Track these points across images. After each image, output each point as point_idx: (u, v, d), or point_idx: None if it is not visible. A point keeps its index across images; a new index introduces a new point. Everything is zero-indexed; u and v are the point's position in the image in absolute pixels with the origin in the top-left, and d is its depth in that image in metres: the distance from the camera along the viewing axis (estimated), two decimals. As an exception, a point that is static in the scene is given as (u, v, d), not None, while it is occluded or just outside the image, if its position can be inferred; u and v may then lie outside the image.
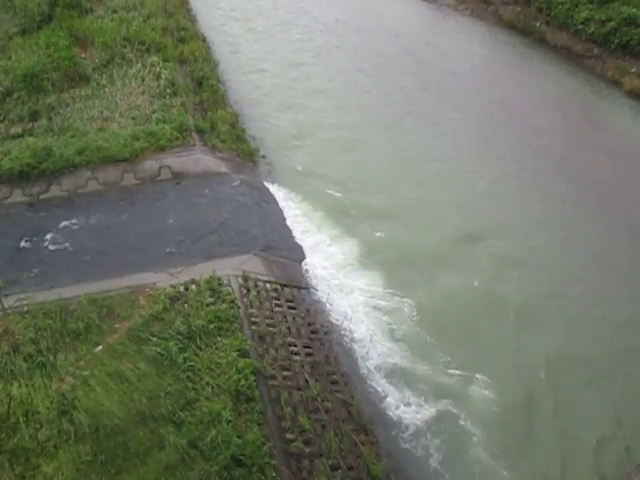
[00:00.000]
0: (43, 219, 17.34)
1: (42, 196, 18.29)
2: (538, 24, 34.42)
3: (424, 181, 21.15)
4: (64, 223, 17.11)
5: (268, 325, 14.08)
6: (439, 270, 17.14)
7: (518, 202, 20.40)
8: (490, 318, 15.70)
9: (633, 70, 28.44)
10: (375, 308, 15.86)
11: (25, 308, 13.87)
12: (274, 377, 12.62)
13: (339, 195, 20.10)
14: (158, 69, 24.50)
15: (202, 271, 15.04)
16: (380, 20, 36.69)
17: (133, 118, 21.49)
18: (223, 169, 20.08)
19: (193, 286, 14.62)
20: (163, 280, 14.89)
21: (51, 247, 16.30)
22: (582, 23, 31.64)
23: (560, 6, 33.35)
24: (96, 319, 13.53)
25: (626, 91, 27.86)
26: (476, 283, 16.78)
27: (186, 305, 13.99)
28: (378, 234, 18.44)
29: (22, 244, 16.36)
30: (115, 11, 31.00)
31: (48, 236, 16.61)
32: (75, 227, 17.04)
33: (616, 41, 29.67)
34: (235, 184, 19.37)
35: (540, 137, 24.17)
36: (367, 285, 16.56)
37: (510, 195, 20.73)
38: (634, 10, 29.98)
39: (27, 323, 13.39)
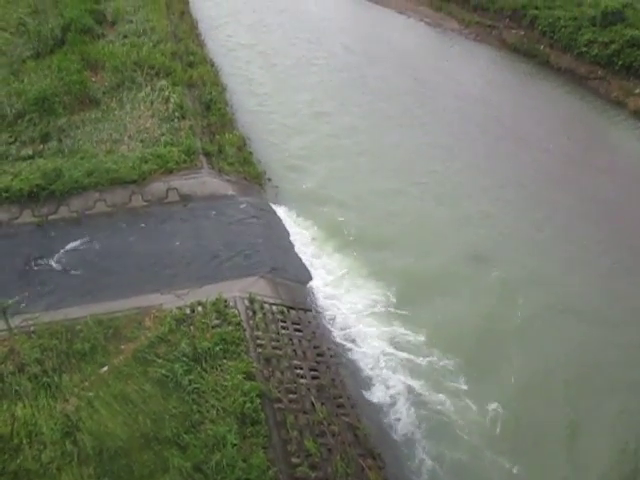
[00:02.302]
0: (51, 239, 17.48)
1: (51, 217, 18.47)
2: (542, 47, 34.81)
3: (430, 203, 21.22)
4: (72, 244, 17.25)
5: (274, 348, 14.02)
6: (446, 292, 17.06)
7: (522, 222, 20.35)
8: (492, 338, 15.64)
9: (637, 91, 28.60)
10: (382, 330, 15.76)
11: (31, 328, 13.90)
12: (280, 400, 12.54)
13: (345, 218, 20.15)
14: (167, 93, 24.87)
15: (208, 293, 15.06)
16: (387, 46, 37.12)
17: (142, 141, 21.75)
18: (230, 191, 20.23)
19: (199, 308, 14.64)
20: (169, 301, 14.92)
21: (58, 267, 16.40)
22: (585, 45, 31.96)
23: (563, 29, 33.73)
24: (102, 340, 13.54)
25: (631, 111, 27.99)
26: (481, 302, 16.71)
27: (192, 327, 13.98)
28: (385, 256, 18.40)
29: (29, 264, 16.47)
30: (126, 36, 31.64)
31: (56, 256, 16.72)
32: (82, 248, 17.17)
33: (620, 62, 29.91)
34: (242, 206, 19.49)
35: (545, 158, 24.24)
36: (373, 307, 16.49)
37: (515, 216, 20.71)
38: (637, 32, 30.29)
39: (33, 343, 13.42)
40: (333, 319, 16.12)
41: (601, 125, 28.23)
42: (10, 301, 13.09)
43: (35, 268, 16.37)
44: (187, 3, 45.71)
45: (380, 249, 18.75)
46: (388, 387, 14.26)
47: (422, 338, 15.48)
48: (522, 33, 36.85)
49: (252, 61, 34.55)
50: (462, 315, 16.21)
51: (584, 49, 31.99)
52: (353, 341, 15.52)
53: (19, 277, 16.00)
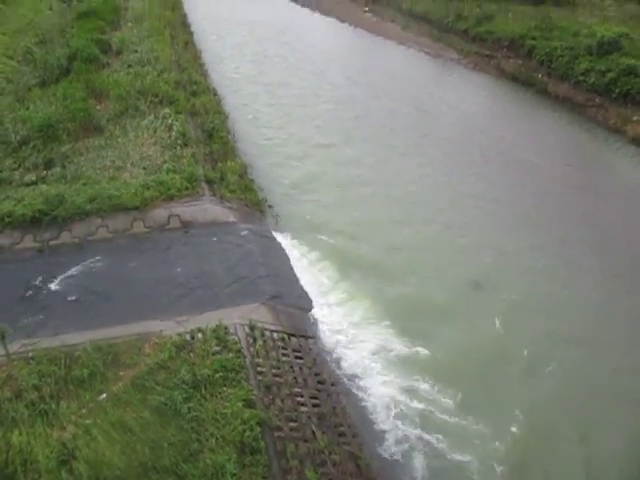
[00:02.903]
0: (52, 265, 17.49)
1: (52, 242, 18.51)
2: (540, 76, 35.35)
3: (434, 231, 21.29)
4: (73, 269, 17.24)
5: (274, 375, 13.89)
6: (448, 320, 16.96)
7: (524, 249, 20.35)
8: (495, 364, 15.49)
9: (635, 118, 28.92)
10: (384, 358, 15.63)
11: (30, 354, 13.78)
12: (280, 428, 12.36)
13: (347, 246, 20.17)
14: (170, 121, 25.16)
15: (209, 319, 14.98)
16: (389, 76, 37.67)
17: (144, 168, 21.92)
18: (231, 218, 20.30)
19: (199, 335, 14.54)
20: (170, 328, 14.84)
21: (58, 293, 16.36)
22: (582, 74, 32.45)
23: (560, 58, 34.31)
24: (101, 366, 13.41)
25: (629, 138, 28.26)
26: (485, 332, 16.59)
27: (192, 354, 13.87)
28: (388, 284, 18.35)
29: (29, 289, 16.45)
30: (130, 65, 32.19)
31: (56, 282, 16.70)
32: (83, 273, 17.16)
33: (617, 90, 30.31)
34: (243, 233, 19.53)
35: (545, 185, 24.38)
36: (376, 335, 16.35)
37: (516, 242, 20.71)
38: (632, 61, 30.77)
39: (31, 369, 13.29)
40: (334, 347, 15.99)
41: (601, 152, 28.47)
42: (6, 327, 13.05)
43: (35, 293, 16.35)
44: (191, 34, 46.68)
45: (383, 277, 18.68)
46: (389, 415, 14.07)
47: (422, 363, 15.40)
48: (520, 62, 37.46)
49: (256, 93, 34.84)
50: (464, 344, 16.11)
51: (581, 78, 32.46)
52: (354, 368, 15.36)
53: (19, 302, 15.95)
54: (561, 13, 43.33)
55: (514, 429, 13.61)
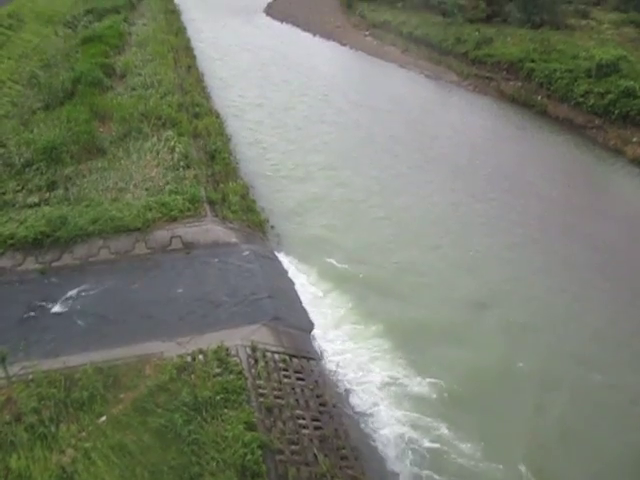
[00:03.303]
0: (53, 286, 17.48)
1: (54, 264, 18.53)
2: (539, 97, 35.65)
3: (434, 250, 21.29)
4: (74, 291, 17.22)
5: (276, 397, 13.76)
6: (450, 341, 16.86)
7: (526, 269, 20.30)
8: (498, 384, 15.34)
9: (635, 139, 29.08)
10: (386, 379, 15.50)
11: (30, 376, 13.69)
12: (282, 451, 12.19)
13: (349, 267, 20.14)
14: (173, 143, 25.34)
15: (210, 341, 14.91)
16: (391, 99, 37.95)
17: (147, 189, 22.04)
18: (233, 239, 20.32)
19: (200, 356, 14.45)
20: (171, 349, 14.75)
21: (59, 315, 16.32)
22: (582, 96, 32.73)
23: (559, 80, 34.64)
24: (101, 389, 13.32)
25: (629, 159, 28.39)
26: (486, 351, 16.50)
27: (193, 375, 13.77)
28: (389, 305, 18.28)
29: (30, 311, 16.41)
30: (134, 89, 32.58)
31: (57, 303, 16.67)
32: (84, 295, 17.12)
33: (616, 112, 30.54)
34: (245, 254, 19.53)
35: (546, 205, 24.42)
36: (378, 356, 16.25)
37: (518, 262, 20.67)
38: (631, 83, 31.04)
39: (31, 392, 13.19)
40: (336, 368, 15.85)
41: (601, 173, 28.55)
42: (6, 349, 12.99)
43: (36, 315, 16.29)
44: (194, 58, 47.30)
45: (385, 298, 18.65)
46: (392, 436, 13.90)
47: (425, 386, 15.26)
48: (519, 84, 37.82)
49: (260, 118, 34.81)
50: (468, 365, 15.99)
51: (581, 99, 32.73)
52: (356, 389, 15.22)
53: (20, 324, 15.91)
54: (559, 37, 43.90)
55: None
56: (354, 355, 16.33)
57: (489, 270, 20.17)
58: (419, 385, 15.30)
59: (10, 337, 15.04)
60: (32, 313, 16.37)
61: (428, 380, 15.41)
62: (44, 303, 16.72)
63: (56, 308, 16.56)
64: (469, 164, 28.21)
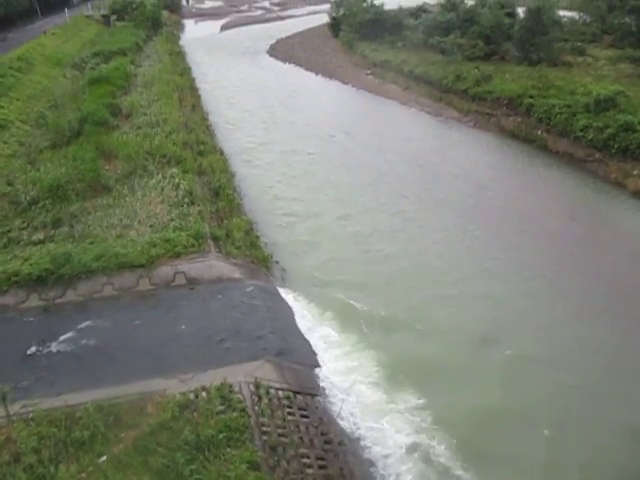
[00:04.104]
0: (56, 323, 17.42)
1: (58, 300, 18.52)
2: (539, 132, 36.02)
3: (438, 285, 21.16)
4: (77, 328, 17.14)
5: (280, 435, 13.52)
6: (458, 378, 16.64)
7: (530, 303, 20.16)
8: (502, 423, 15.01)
9: (635, 172, 29.18)
10: (391, 417, 15.22)
11: (30, 415, 13.52)
12: (285, 492, 11.92)
13: (354, 302, 20.02)
14: (177, 180, 25.64)
15: (213, 378, 14.75)
16: (395, 137, 38.27)
17: (151, 226, 22.19)
18: (237, 275, 20.32)
19: (203, 393, 14.27)
20: (173, 387, 14.58)
21: (61, 352, 16.22)
22: (581, 130, 33.05)
23: (559, 115, 35.06)
24: (102, 428, 13.11)
25: (631, 192, 28.44)
26: (491, 384, 16.27)
27: (195, 413, 13.58)
28: (395, 341, 18.13)
29: (32, 348, 16.31)
30: (140, 127, 33.17)
31: (59, 340, 16.58)
32: (87, 332, 17.04)
33: (616, 146, 30.78)
34: (248, 290, 19.49)
35: (549, 239, 24.38)
36: (382, 393, 15.99)
37: (522, 296, 20.54)
38: (629, 117, 31.40)
39: (31, 431, 13.00)
40: (341, 405, 15.60)
41: (603, 206, 28.59)
42: (7, 387, 12.87)
43: (38, 352, 16.19)
44: (199, 97, 48.29)
45: (390, 334, 18.46)
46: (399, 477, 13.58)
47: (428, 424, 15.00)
48: (519, 120, 38.30)
49: (271, 160, 34.51)
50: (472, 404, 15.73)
51: (580, 134, 33.05)
52: (359, 426, 14.94)
53: (21, 362, 15.80)
54: (557, 73, 44.64)
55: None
56: (359, 392, 16.07)
57: (488, 305, 20.06)
58: (428, 429, 14.95)
59: (12, 375, 14.93)
60: (34, 350, 16.28)
61: (437, 423, 15.07)
62: (46, 340, 16.63)
63: (58, 345, 16.46)
64: (473, 202, 27.99)
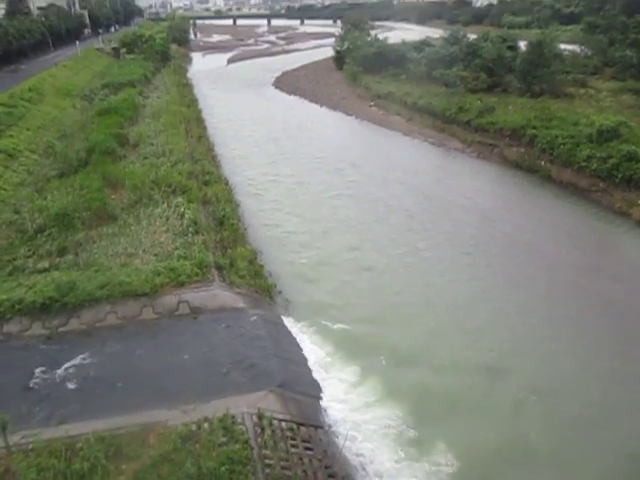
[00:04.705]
0: (59, 352, 17.31)
1: (61, 329, 18.44)
2: (542, 163, 36.27)
3: (442, 317, 21.00)
4: (79, 357, 17.02)
5: (283, 468, 13.25)
6: (464, 411, 16.40)
7: (537, 333, 19.96)
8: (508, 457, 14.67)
9: (640, 201, 29.25)
10: (396, 450, 14.95)
11: (30, 446, 13.33)
12: (288, 527, 11.61)
13: (356, 331, 19.88)
14: (182, 209, 25.81)
15: (216, 408, 14.55)
16: (400, 167, 38.54)
17: (156, 255, 22.23)
18: (240, 304, 20.24)
19: (206, 424, 14.06)
20: (175, 418, 14.37)
21: (63, 381, 16.05)
22: (585, 160, 33.26)
23: (562, 146, 35.33)
24: (102, 459, 12.87)
25: (636, 221, 28.45)
26: (497, 417, 16.02)
27: (198, 445, 13.35)
28: (400, 372, 17.93)
29: (34, 378, 16.17)
30: (146, 157, 33.62)
31: (61, 370, 16.44)
32: (89, 361, 16.91)
33: (620, 175, 30.92)
34: (252, 319, 19.39)
35: (555, 268, 24.31)
36: (387, 425, 15.74)
37: (529, 326, 20.35)
38: (633, 147, 31.60)
39: (30, 462, 12.79)
40: (345, 437, 15.32)
41: (608, 235, 28.56)
42: (7, 417, 12.71)
43: (39, 382, 16.05)
44: (205, 128, 48.97)
45: (395, 365, 18.29)
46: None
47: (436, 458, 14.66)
48: (522, 150, 38.58)
49: (277, 194, 34.23)
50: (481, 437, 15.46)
51: (584, 164, 33.24)
52: (364, 460, 14.65)
53: (22, 391, 15.64)
54: (559, 104, 45.22)
55: None
56: (364, 425, 15.80)
57: (493, 333, 19.92)
58: (434, 463, 14.66)
59: (13, 404, 14.77)
60: (36, 379, 16.14)
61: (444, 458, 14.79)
62: (49, 369, 16.50)
63: (60, 374, 16.32)
64: (484, 236, 27.81)
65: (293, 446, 14.16)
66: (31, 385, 15.93)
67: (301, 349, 18.85)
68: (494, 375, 17.85)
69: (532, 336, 19.83)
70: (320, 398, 16.59)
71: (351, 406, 16.47)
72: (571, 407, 16.51)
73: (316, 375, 17.57)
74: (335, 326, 20.28)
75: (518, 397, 16.90)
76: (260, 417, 14.51)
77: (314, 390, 16.84)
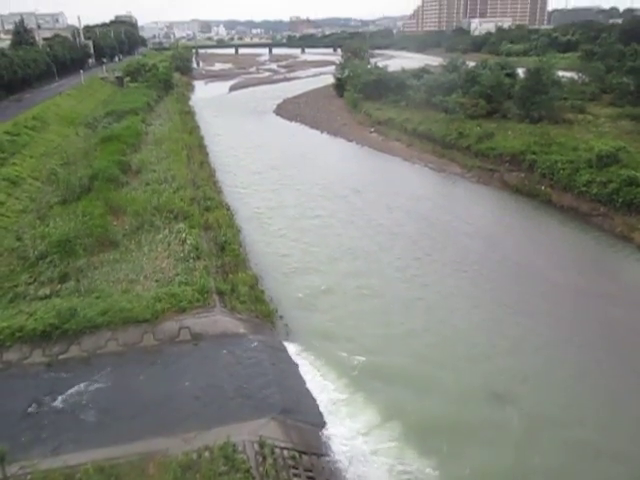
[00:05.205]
0: (58, 380, 17.15)
1: (61, 356, 18.30)
2: (543, 187, 36.41)
3: (445, 341, 20.85)
4: (79, 384, 16.85)
5: (285, 497, 13.01)
6: (464, 436, 16.17)
7: (540, 358, 19.80)
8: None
9: (641, 226, 29.25)
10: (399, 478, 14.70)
11: (28, 477, 13.12)
12: None
13: (358, 357, 19.70)
14: (184, 235, 25.88)
15: (217, 436, 14.35)
16: (401, 193, 38.65)
17: (157, 280, 22.20)
18: (241, 330, 20.13)
19: (206, 453, 13.84)
20: (175, 446, 14.17)
21: (62, 409, 15.88)
22: (585, 185, 33.41)
23: (562, 171, 35.52)
24: (101, 490, 12.68)
25: (637, 245, 28.42)
26: (502, 445, 15.77)
27: (198, 475, 13.13)
28: (402, 396, 17.73)
29: (33, 406, 16.00)
30: (148, 184, 33.82)
31: (61, 398, 16.28)
32: (89, 389, 16.74)
33: (620, 200, 30.99)
34: (253, 345, 19.25)
35: (558, 292, 24.21)
36: (389, 454, 15.49)
37: (531, 351, 20.19)
38: (632, 172, 31.77)
39: (29, 494, 12.59)
40: (348, 465, 15.06)
41: (612, 259, 28.50)
42: (5, 447, 12.52)
43: (39, 410, 15.87)
44: (207, 154, 49.37)
45: (396, 389, 18.10)
46: None
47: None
48: (522, 175, 38.78)
49: (282, 230, 33.03)
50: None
51: (584, 188, 33.37)
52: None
53: (21, 420, 15.47)
54: (558, 130, 45.62)
55: None
56: (367, 453, 15.55)
57: (496, 359, 19.74)
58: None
59: (11, 434, 14.60)
60: (35, 408, 15.96)
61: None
62: (48, 397, 16.34)
63: (59, 403, 16.16)
64: (488, 262, 27.61)
65: (295, 475, 13.93)
66: (30, 414, 15.74)
67: (302, 375, 18.66)
68: (502, 402, 17.62)
69: (538, 361, 19.64)
70: (322, 426, 16.35)
71: (355, 433, 16.23)
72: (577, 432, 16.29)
73: (318, 402, 17.34)
74: (338, 353, 20.08)
75: (530, 423, 16.66)
76: (261, 445, 14.30)
77: (316, 417, 16.62)
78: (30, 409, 15.89)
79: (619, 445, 15.85)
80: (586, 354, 20.01)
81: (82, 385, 16.86)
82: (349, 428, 16.45)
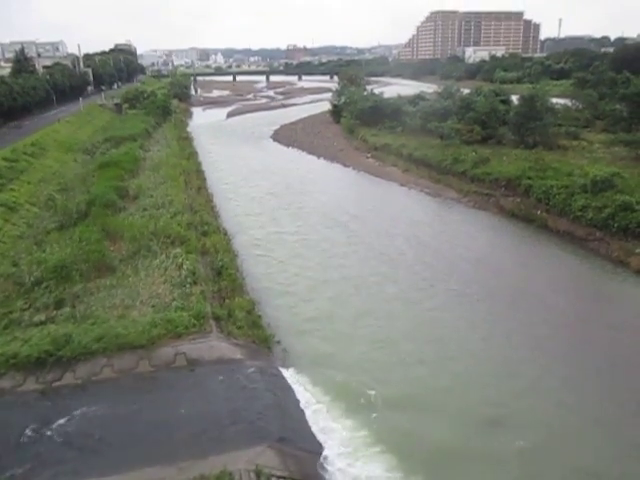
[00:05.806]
0: (52, 408, 16.88)
1: (55, 384, 18.05)
2: (539, 212, 36.60)
3: (445, 368, 20.68)
4: (73, 413, 16.58)
5: (282, 528, 12.73)
6: (466, 463, 15.94)
7: (538, 384, 19.64)
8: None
9: (638, 251, 29.29)
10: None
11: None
12: None
13: (358, 383, 19.49)
14: (180, 260, 25.83)
15: (213, 465, 14.11)
16: (398, 218, 38.77)
17: (153, 306, 22.08)
18: (238, 355, 19.95)
19: (202, 483, 13.59)
20: (170, 476, 13.93)
21: (55, 438, 15.59)
22: (580, 210, 33.59)
23: (557, 196, 35.76)
24: (93, 523, 12.38)
25: (634, 270, 28.41)
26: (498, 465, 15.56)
27: (193, 505, 12.87)
28: (401, 423, 17.50)
29: (25, 435, 15.71)
30: (146, 209, 33.90)
31: (54, 426, 15.99)
32: (83, 417, 16.47)
33: (616, 225, 31.14)
34: (250, 371, 19.06)
35: (555, 317, 24.12)
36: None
37: (529, 377, 20.03)
38: (627, 197, 32.01)
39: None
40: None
41: (608, 284, 28.47)
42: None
43: (31, 439, 15.58)
44: (204, 180, 49.59)
45: (397, 416, 17.86)
46: None
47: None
48: (518, 200, 39.03)
49: (282, 255, 32.40)
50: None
51: (579, 213, 33.55)
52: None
53: (13, 449, 15.18)
54: (553, 156, 46.11)
55: None
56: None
57: (494, 385, 19.58)
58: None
59: (4, 464, 14.30)
60: (28, 437, 15.68)
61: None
62: (40, 426, 16.05)
63: (52, 432, 15.87)
64: (467, 273, 28.10)
65: (292, 505, 13.65)
66: (22, 443, 15.46)
67: (299, 402, 18.43)
68: (493, 426, 17.46)
69: (540, 387, 19.50)
70: (319, 453, 16.09)
71: (352, 460, 15.96)
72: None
73: (315, 429, 17.10)
74: (336, 379, 19.85)
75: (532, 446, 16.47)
76: (258, 474, 14.07)
77: (313, 445, 16.36)
78: (23, 438, 15.62)
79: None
80: (584, 379, 19.88)
81: (76, 413, 16.60)
82: (347, 455, 16.19)
